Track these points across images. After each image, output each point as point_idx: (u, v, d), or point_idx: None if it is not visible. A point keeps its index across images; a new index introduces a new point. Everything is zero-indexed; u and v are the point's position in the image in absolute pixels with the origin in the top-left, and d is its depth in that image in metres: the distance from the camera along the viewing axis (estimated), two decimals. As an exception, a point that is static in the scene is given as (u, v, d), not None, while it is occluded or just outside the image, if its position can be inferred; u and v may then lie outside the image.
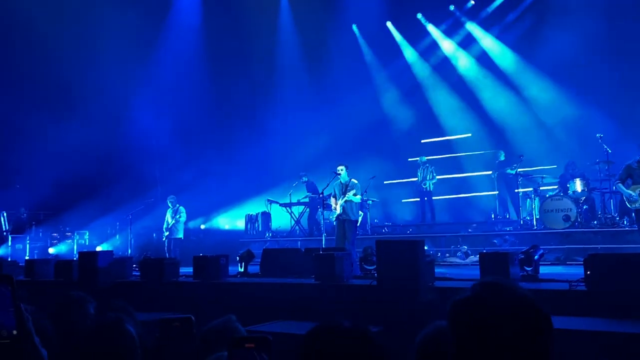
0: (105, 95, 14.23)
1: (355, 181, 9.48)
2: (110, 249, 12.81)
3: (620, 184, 7.81)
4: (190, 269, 8.18)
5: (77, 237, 14.48)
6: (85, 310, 2.72)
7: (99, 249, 13.72)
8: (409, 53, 15.05)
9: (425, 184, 12.69)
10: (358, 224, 9.84)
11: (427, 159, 12.93)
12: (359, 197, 9.39)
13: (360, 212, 11.18)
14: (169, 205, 12.28)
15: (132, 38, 14.13)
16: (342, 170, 9.43)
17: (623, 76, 11.28)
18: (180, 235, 12.19)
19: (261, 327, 5.65)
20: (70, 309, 2.68)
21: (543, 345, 1.28)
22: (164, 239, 12.25)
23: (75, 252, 13.39)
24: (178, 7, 15.32)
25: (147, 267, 8.24)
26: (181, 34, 15.12)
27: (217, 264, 7.82)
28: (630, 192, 7.64)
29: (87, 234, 14.71)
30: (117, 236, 14.67)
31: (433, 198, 12.85)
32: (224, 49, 15.11)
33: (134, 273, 8.95)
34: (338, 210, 9.36)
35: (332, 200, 9.59)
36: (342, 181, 9.44)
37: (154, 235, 14.19)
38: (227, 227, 15.18)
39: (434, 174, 12.66)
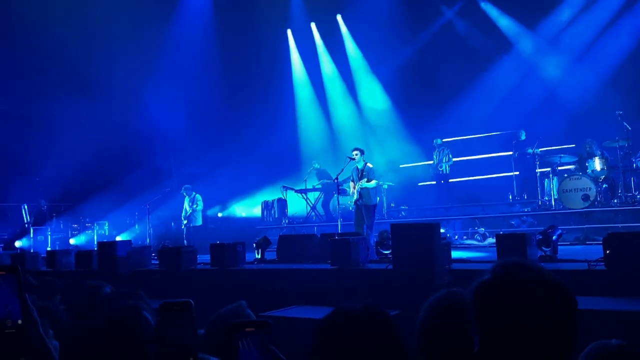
0: (121, 87, 14.36)
1: (371, 166, 9.46)
2: (129, 238, 12.98)
3: None
4: (208, 257, 8.26)
5: (97, 228, 14.70)
6: (101, 296, 2.75)
7: (118, 238, 13.91)
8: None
9: (441, 167, 12.62)
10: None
11: (443, 142, 12.83)
12: (373, 182, 9.35)
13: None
14: (184, 194, 12.41)
15: (145, 30, 14.17)
16: (357, 155, 9.40)
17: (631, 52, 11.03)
18: (199, 222, 12.37)
19: (278, 312, 5.69)
20: (85, 296, 2.72)
21: (569, 324, 1.26)
22: (182, 227, 12.41)
23: (95, 243, 13.60)
24: (188, 2, 15.30)
25: (165, 256, 8.33)
26: (193, 24, 15.12)
27: (234, 251, 7.89)
28: None
29: (107, 224, 14.91)
30: (136, 226, 14.86)
31: (450, 180, 12.77)
32: (236, 38, 15.06)
33: (152, 262, 9.07)
34: (355, 196, 9.36)
35: (351, 184, 9.58)
36: (358, 166, 9.43)
37: (172, 224, 14.35)
38: (243, 214, 15.27)
39: (450, 156, 12.58)
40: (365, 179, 9.22)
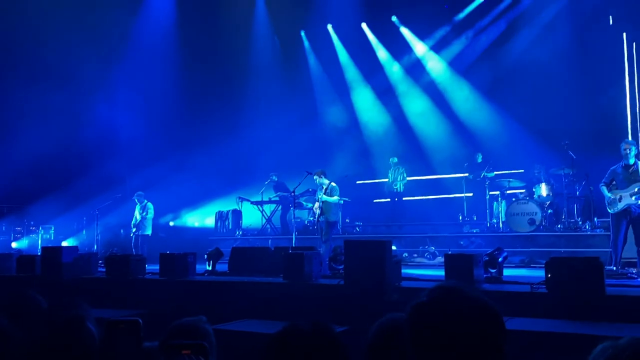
0: (73, 87, 13.94)
1: (334, 184, 9.72)
2: (75, 244, 12.57)
3: (604, 187, 7.77)
4: (157, 267, 8.10)
5: (42, 232, 14.17)
6: (39, 308, 2.65)
7: (64, 244, 13.45)
8: (383, 55, 15.14)
9: (396, 185, 12.88)
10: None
11: (399, 160, 13.09)
12: (335, 198, 9.60)
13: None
14: (136, 201, 12.15)
15: (106, 30, 13.88)
16: (320, 176, 9.66)
17: (585, 86, 11.60)
18: (148, 232, 12.06)
19: (228, 325, 5.63)
20: (23, 307, 2.62)
21: (498, 350, 1.31)
22: (131, 235, 12.11)
23: (39, 247, 13.10)
24: (152, 2, 15.10)
25: (112, 264, 8.12)
26: (155, 29, 14.90)
27: (184, 261, 7.77)
28: (611, 195, 7.62)
29: (53, 228, 14.40)
30: (84, 232, 14.41)
31: (403, 199, 13.02)
32: (198, 44, 14.94)
33: (99, 269, 8.82)
34: (317, 212, 9.58)
35: (315, 205, 9.82)
36: (322, 185, 9.65)
37: (122, 231, 13.98)
38: (196, 224, 15.04)
39: (405, 175, 12.85)
40: (327, 193, 9.46)
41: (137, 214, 12.07)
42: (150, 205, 12.08)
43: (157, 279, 7.88)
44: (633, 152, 7.49)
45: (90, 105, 14.62)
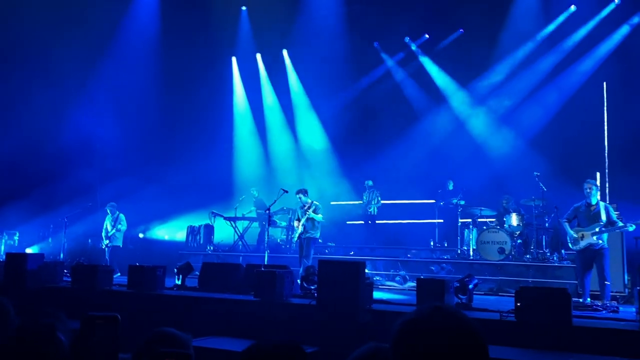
0: (46, 92, 13.70)
1: (317, 203, 9.73)
2: (41, 252, 12.23)
3: (566, 224, 7.94)
4: (125, 279, 7.94)
5: (6, 238, 13.75)
6: (7, 315, 2.57)
7: (29, 251, 13.07)
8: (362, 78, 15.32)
9: (370, 208, 12.95)
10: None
11: (374, 184, 13.19)
12: (320, 216, 9.64)
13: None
14: (108, 212, 11.94)
15: (81, 37, 13.69)
16: (304, 195, 9.67)
17: (559, 118, 11.96)
18: (120, 243, 11.88)
19: (195, 342, 5.52)
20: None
21: None
22: (103, 246, 11.87)
23: (2, 253, 12.70)
24: (135, 12, 15.02)
25: (79, 273, 7.95)
26: (136, 39, 14.78)
27: (153, 274, 7.66)
28: (573, 233, 7.79)
29: (17, 234, 13.99)
30: (50, 239, 14.03)
31: (377, 222, 13.09)
32: (179, 58, 14.88)
33: (64, 278, 8.60)
34: (300, 229, 9.52)
35: (296, 223, 9.82)
36: (304, 204, 9.65)
37: (90, 240, 13.68)
38: (166, 237, 14.80)
39: (379, 198, 12.95)
40: (312, 209, 9.47)
41: (108, 225, 11.86)
42: (122, 217, 11.93)
43: (124, 291, 7.72)
44: (595, 192, 7.74)
45: (64, 111, 14.36)
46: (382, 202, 13.02)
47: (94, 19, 13.90)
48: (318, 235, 9.85)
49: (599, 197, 7.90)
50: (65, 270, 8.94)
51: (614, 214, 7.87)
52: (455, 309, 1.39)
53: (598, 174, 9.71)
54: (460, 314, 1.39)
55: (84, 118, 14.38)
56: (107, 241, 11.76)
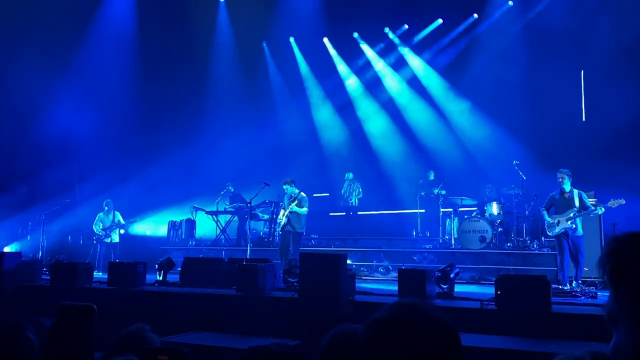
0: (21, 88, 13.41)
1: (303, 194, 9.66)
2: (18, 250, 12.03)
3: (544, 212, 8.32)
4: (106, 276, 7.85)
5: (-18, 236, 13.49)
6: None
7: (6, 249, 12.83)
8: (343, 70, 15.30)
9: (351, 199, 12.97)
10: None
11: (354, 176, 13.20)
12: (305, 208, 9.54)
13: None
14: (106, 208, 11.96)
15: (56, 32, 13.41)
16: (287, 185, 9.61)
17: (537, 108, 12.05)
18: (118, 239, 12.11)
19: (177, 337, 5.49)
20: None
21: None
22: (106, 240, 11.87)
23: (-22, 252, 12.44)
24: (110, 5, 14.73)
25: (58, 271, 7.83)
26: (113, 33, 14.50)
27: (134, 271, 7.57)
28: (549, 219, 8.15)
29: (-6, 233, 13.73)
30: (28, 237, 13.78)
31: (358, 213, 13.11)
32: (157, 51, 14.64)
33: (43, 277, 8.47)
34: (284, 221, 9.45)
35: (282, 212, 9.73)
36: (290, 194, 9.58)
37: (69, 238, 13.49)
38: (148, 233, 14.66)
39: (360, 190, 12.96)
40: (295, 203, 9.39)
41: (105, 221, 11.86)
42: (118, 213, 12.12)
43: (105, 288, 7.63)
44: (567, 180, 8.11)
45: (41, 108, 14.08)
46: (364, 193, 13.03)
47: (69, 13, 13.62)
48: (304, 231, 9.81)
49: (571, 186, 8.18)
50: (44, 269, 8.80)
51: (587, 200, 8.21)
52: (427, 305, 1.37)
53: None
54: (430, 311, 1.37)
55: (61, 114, 14.10)
56: (109, 239, 11.87)
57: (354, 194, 12.96)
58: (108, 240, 11.87)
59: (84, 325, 1.50)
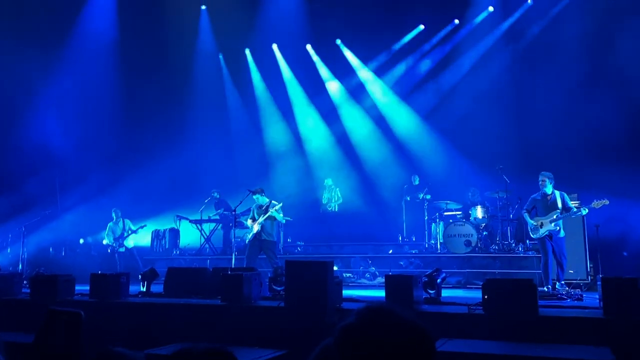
0: (1, 93, 13.16)
1: (276, 202, 9.57)
2: (-1, 263, 11.79)
3: (526, 214, 8.33)
4: (87, 288, 7.69)
5: (-39, 250, 13.18)
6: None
7: (-15, 263, 12.55)
8: (326, 75, 15.27)
9: (330, 206, 12.95)
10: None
11: (333, 182, 13.17)
12: (282, 215, 9.51)
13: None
14: (114, 217, 12.00)
15: (38, 37, 13.22)
16: (257, 195, 9.54)
17: (519, 113, 12.16)
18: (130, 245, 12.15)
19: (161, 350, 5.38)
20: None
21: None
22: (119, 249, 11.92)
23: (-44, 266, 12.15)
24: (90, 12, 14.55)
25: (38, 284, 7.65)
26: (94, 40, 14.31)
27: (117, 282, 7.43)
28: (533, 222, 8.16)
29: (-27, 246, 13.42)
30: (8, 249, 13.50)
31: (341, 218, 13.03)
32: (139, 59, 14.49)
33: (24, 290, 8.28)
34: (256, 229, 9.34)
35: (249, 221, 9.60)
36: (262, 203, 9.52)
37: (51, 249, 13.24)
38: (131, 243, 14.43)
39: (339, 195, 12.94)
40: (278, 207, 9.37)
41: (115, 230, 11.94)
42: (127, 220, 12.19)
43: (86, 300, 7.48)
44: (548, 183, 8.15)
45: (19, 117, 13.84)
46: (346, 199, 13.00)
47: (48, 19, 13.44)
48: (276, 239, 9.78)
49: (553, 188, 8.21)
50: (24, 282, 8.61)
51: (569, 201, 8.25)
52: (396, 308, 1.36)
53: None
54: (400, 314, 1.35)
55: (40, 123, 13.89)
56: (123, 248, 11.88)
57: (333, 200, 12.95)
58: (122, 249, 11.86)
59: (72, 331, 1.45)
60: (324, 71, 15.24)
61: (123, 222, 12.04)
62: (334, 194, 12.98)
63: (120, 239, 11.88)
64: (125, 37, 14.51)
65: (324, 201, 13.09)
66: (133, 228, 12.09)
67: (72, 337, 1.42)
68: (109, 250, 11.96)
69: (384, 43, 14.60)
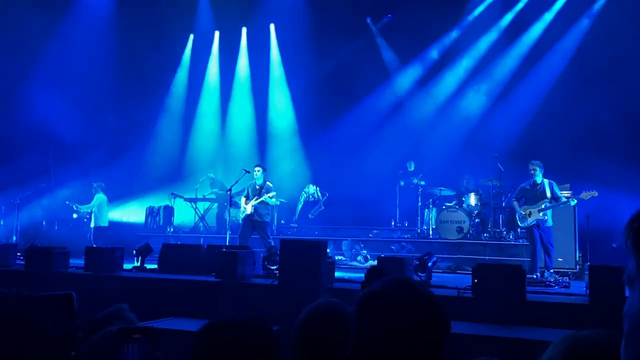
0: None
1: (270, 184, 9.61)
2: (-8, 235, 11.83)
3: (515, 203, 8.43)
4: (82, 261, 7.75)
5: (-45, 221, 13.19)
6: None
7: (-22, 234, 12.59)
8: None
9: (320, 207, 13.01)
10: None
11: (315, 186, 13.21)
12: (275, 200, 9.52)
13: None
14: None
15: (32, 13, 13.07)
16: (258, 171, 9.52)
17: (517, 103, 12.22)
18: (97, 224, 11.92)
19: (154, 323, 5.46)
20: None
21: (439, 343, 1.35)
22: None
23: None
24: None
25: (33, 256, 7.71)
26: (89, 15, 14.16)
27: (111, 256, 7.50)
28: (522, 211, 8.25)
29: (-33, 218, 13.44)
30: (2, 221, 13.52)
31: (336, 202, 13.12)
32: (136, 32, 14.28)
33: (18, 262, 8.33)
34: (249, 211, 9.36)
35: (243, 199, 9.59)
36: (256, 182, 9.50)
37: (44, 223, 13.28)
38: (124, 219, 14.49)
39: (320, 195, 12.97)
40: (272, 194, 9.34)
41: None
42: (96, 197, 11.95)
43: (81, 273, 7.54)
44: (538, 172, 8.23)
45: (14, 90, 13.75)
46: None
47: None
48: (269, 220, 9.79)
49: (543, 178, 8.31)
50: (18, 254, 8.66)
51: (558, 190, 8.33)
52: (419, 283, 1.42)
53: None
54: (422, 288, 1.41)
55: (36, 98, 13.80)
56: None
57: (322, 199, 13.02)
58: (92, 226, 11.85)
59: (65, 313, 1.49)
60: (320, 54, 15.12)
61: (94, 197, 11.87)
62: (316, 195, 12.97)
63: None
64: (122, 12, 14.38)
65: (316, 207, 13.07)
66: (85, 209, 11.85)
67: (65, 318, 1.45)
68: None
69: (384, 28, 14.56)
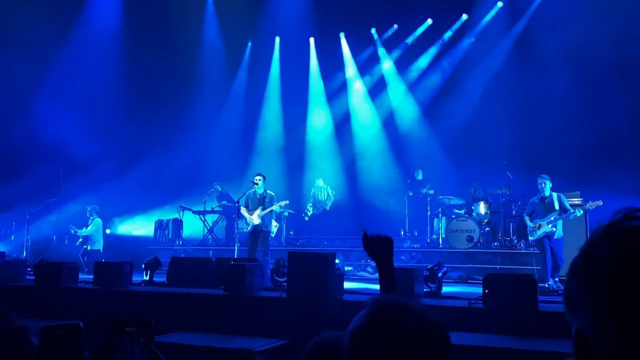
0: (7, 84, 13.22)
1: (272, 193, 9.54)
2: (2, 250, 11.86)
3: (526, 217, 8.52)
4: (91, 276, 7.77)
5: (-35, 237, 13.30)
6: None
7: (-11, 249, 12.64)
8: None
9: (327, 205, 12.96)
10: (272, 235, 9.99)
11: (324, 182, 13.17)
12: (277, 207, 9.54)
13: (275, 224, 11.29)
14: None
15: (41, 26, 13.25)
16: (259, 180, 9.45)
17: (525, 110, 12.14)
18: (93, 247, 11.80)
19: (164, 338, 5.44)
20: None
21: (443, 358, 1.22)
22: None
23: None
24: (96, 4, 14.57)
25: (43, 271, 7.72)
26: (100, 30, 14.34)
27: (120, 270, 7.50)
28: (531, 224, 8.32)
29: (-23, 233, 13.54)
30: (12, 237, 13.61)
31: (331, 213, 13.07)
32: (144, 49, 14.48)
33: (27, 277, 8.36)
34: (256, 221, 9.29)
35: (243, 209, 9.52)
36: (257, 192, 9.44)
37: (54, 237, 13.33)
38: (134, 232, 14.53)
39: (330, 193, 12.92)
40: (283, 203, 9.36)
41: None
42: (93, 221, 11.87)
43: (90, 288, 7.55)
44: (547, 186, 8.32)
45: (25, 105, 13.91)
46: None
47: (53, 10, 13.47)
48: (272, 229, 9.81)
49: (551, 191, 8.34)
50: (28, 269, 8.69)
51: (567, 202, 8.37)
52: (412, 303, 1.25)
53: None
54: (417, 310, 1.23)
55: (46, 112, 13.94)
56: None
57: (328, 203, 12.97)
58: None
59: (72, 345, 1.46)
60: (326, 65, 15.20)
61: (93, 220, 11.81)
62: (326, 193, 12.95)
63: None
64: (131, 27, 14.53)
65: (321, 198, 13.03)
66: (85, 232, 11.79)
67: (72, 350, 1.42)
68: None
69: (390, 38, 14.59)
